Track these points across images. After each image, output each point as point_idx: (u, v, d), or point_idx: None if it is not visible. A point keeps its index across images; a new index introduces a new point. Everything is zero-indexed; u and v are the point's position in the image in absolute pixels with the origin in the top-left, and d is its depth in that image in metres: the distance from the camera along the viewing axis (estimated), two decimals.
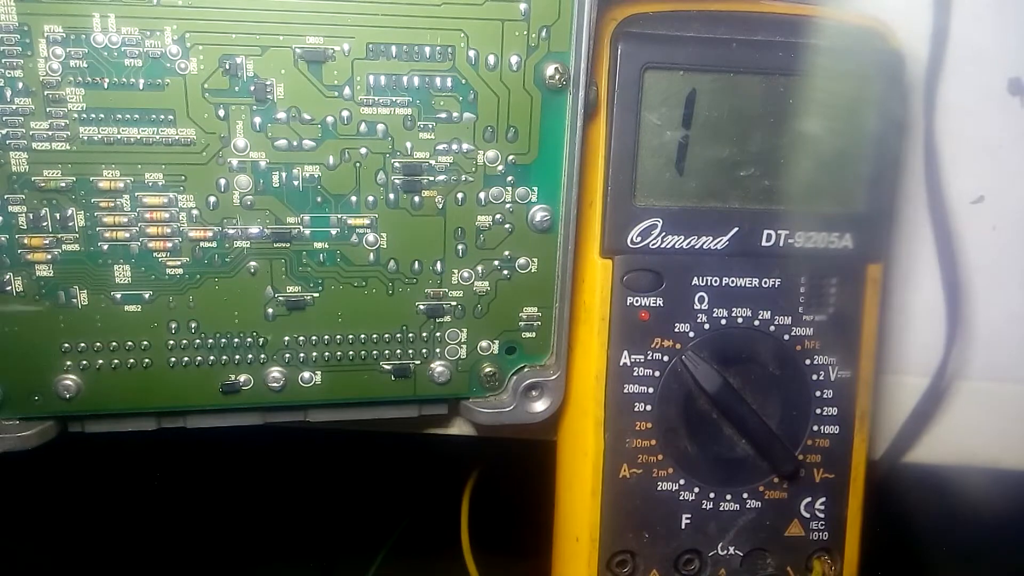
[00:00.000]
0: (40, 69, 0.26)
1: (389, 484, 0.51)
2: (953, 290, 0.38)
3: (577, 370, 0.33)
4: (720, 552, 0.34)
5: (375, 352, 0.31)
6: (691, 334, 0.33)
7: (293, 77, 0.28)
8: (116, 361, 0.29)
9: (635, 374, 0.33)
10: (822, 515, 0.35)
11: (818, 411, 0.34)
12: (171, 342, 0.30)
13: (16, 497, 0.45)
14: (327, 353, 0.31)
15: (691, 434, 0.33)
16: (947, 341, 0.38)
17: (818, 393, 0.34)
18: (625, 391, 0.33)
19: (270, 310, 0.30)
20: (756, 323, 0.33)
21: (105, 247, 0.28)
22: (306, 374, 0.31)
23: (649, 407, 0.33)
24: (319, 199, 0.29)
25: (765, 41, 0.31)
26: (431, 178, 0.30)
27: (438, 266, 0.31)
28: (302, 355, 0.31)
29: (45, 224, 0.28)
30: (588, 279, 0.33)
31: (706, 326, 0.33)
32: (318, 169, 0.29)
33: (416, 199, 0.30)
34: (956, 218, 0.38)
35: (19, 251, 0.28)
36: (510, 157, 0.30)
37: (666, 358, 0.33)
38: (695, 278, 0.32)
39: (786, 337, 0.33)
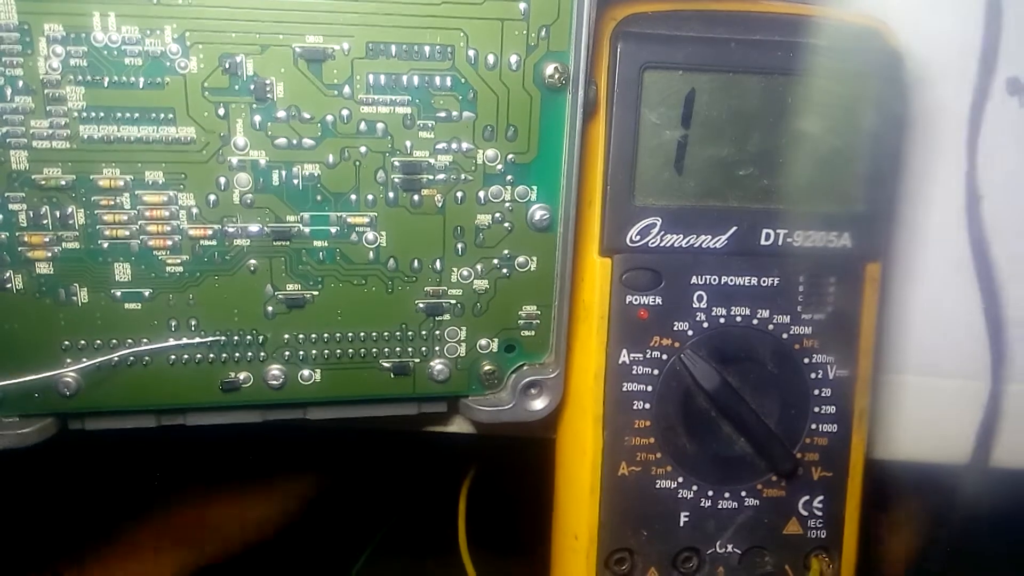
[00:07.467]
0: (40, 68, 0.26)
1: (387, 482, 0.51)
2: (992, 300, 0.38)
3: (576, 368, 0.33)
4: (718, 550, 0.34)
5: (375, 350, 0.31)
6: (690, 332, 0.33)
7: (293, 76, 0.28)
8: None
9: (634, 372, 0.33)
10: (820, 513, 0.35)
11: (816, 409, 0.34)
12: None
13: (15, 494, 0.45)
14: (327, 351, 0.31)
15: (690, 432, 0.33)
16: (992, 344, 0.38)
17: (816, 392, 0.34)
18: (624, 389, 0.33)
19: (270, 308, 0.30)
20: (755, 322, 0.33)
21: (105, 245, 0.28)
22: (306, 372, 0.31)
23: (648, 405, 0.33)
24: (319, 197, 0.29)
25: (764, 41, 0.31)
26: (431, 177, 0.30)
27: (437, 264, 0.31)
28: (302, 353, 0.31)
29: (45, 222, 0.28)
30: (587, 278, 0.33)
31: (705, 325, 0.33)
32: (318, 167, 0.29)
33: (416, 198, 0.30)
34: (955, 219, 0.38)
35: (19, 249, 0.28)
36: (509, 156, 0.30)
37: (665, 356, 0.33)
38: (694, 277, 0.33)
39: (785, 336, 0.33)
